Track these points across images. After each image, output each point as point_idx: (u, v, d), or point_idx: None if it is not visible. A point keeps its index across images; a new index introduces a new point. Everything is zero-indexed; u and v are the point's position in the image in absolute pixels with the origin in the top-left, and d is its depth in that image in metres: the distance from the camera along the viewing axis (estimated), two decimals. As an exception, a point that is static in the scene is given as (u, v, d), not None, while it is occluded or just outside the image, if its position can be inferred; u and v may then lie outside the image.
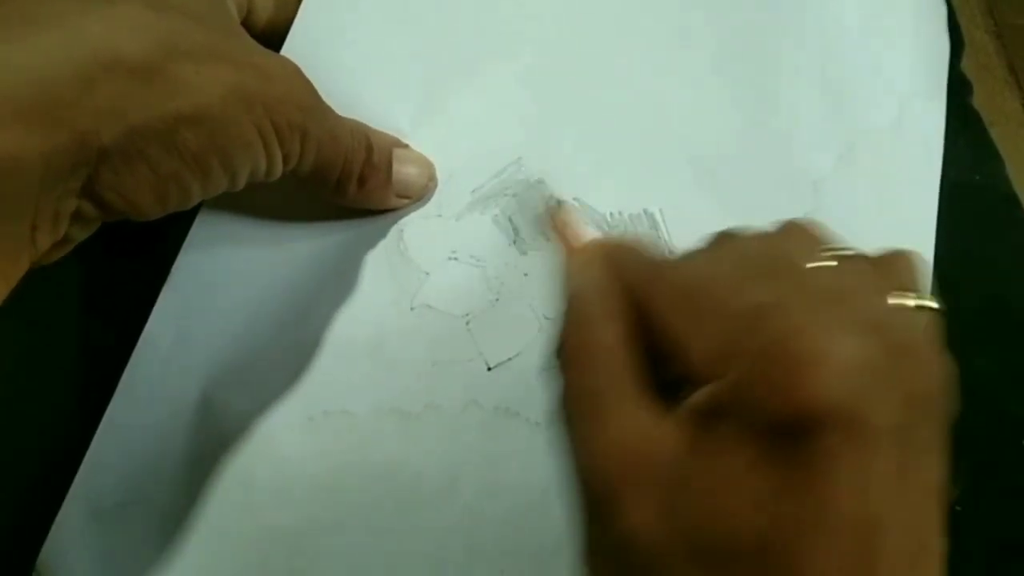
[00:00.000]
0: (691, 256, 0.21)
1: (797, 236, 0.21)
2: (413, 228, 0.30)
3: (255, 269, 0.29)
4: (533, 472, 0.28)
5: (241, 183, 0.24)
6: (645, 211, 0.31)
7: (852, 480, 0.16)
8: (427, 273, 0.30)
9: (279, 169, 0.24)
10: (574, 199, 0.30)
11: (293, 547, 0.28)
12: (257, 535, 0.28)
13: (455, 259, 0.30)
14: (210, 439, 0.28)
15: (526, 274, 0.30)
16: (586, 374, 0.20)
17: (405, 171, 0.29)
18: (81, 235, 0.22)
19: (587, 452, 0.19)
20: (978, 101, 0.37)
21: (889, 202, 0.32)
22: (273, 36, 0.30)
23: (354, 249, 0.30)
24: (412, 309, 0.29)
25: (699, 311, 0.19)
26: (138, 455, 0.28)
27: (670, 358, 0.19)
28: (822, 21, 0.33)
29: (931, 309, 0.20)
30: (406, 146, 0.29)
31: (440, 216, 0.30)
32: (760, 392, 0.17)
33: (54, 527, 0.28)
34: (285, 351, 0.29)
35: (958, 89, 0.34)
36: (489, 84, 0.31)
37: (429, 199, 0.30)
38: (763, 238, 0.21)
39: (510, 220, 0.30)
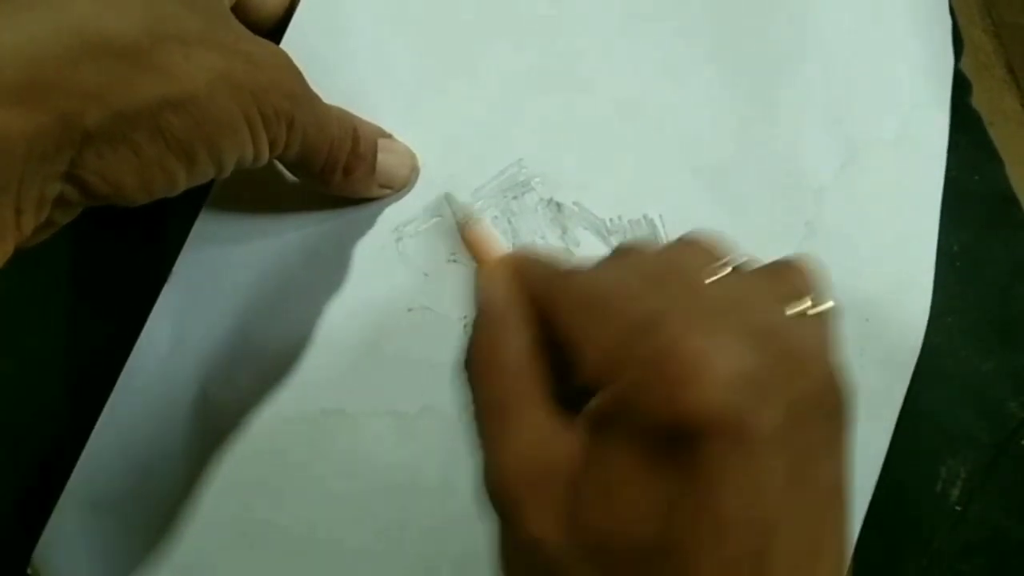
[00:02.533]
0: (594, 266, 0.22)
1: (695, 249, 0.21)
2: (412, 229, 0.30)
3: (254, 270, 0.29)
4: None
5: (228, 170, 0.24)
6: (645, 216, 0.31)
7: (738, 484, 0.16)
8: (426, 275, 0.29)
9: (265, 156, 0.24)
10: (573, 203, 0.30)
11: (289, 546, 0.28)
12: (253, 533, 0.28)
13: (454, 261, 0.30)
14: (207, 437, 0.28)
15: None
16: (492, 386, 0.20)
17: (389, 161, 0.29)
18: (64, 219, 0.22)
19: (492, 462, 0.19)
20: (977, 101, 0.37)
21: (890, 211, 0.32)
22: (270, 27, 0.29)
23: (353, 250, 0.30)
24: (410, 311, 0.29)
25: (595, 319, 0.19)
26: (135, 452, 0.28)
27: (572, 366, 0.19)
28: (825, 31, 0.33)
29: (825, 313, 0.20)
30: (390, 136, 0.29)
31: (440, 217, 0.30)
32: (644, 400, 0.17)
33: (50, 522, 0.28)
34: (283, 351, 0.29)
35: (957, 89, 0.34)
36: (490, 84, 0.31)
37: (410, 190, 0.30)
38: (662, 251, 0.22)
39: (510, 222, 0.30)
